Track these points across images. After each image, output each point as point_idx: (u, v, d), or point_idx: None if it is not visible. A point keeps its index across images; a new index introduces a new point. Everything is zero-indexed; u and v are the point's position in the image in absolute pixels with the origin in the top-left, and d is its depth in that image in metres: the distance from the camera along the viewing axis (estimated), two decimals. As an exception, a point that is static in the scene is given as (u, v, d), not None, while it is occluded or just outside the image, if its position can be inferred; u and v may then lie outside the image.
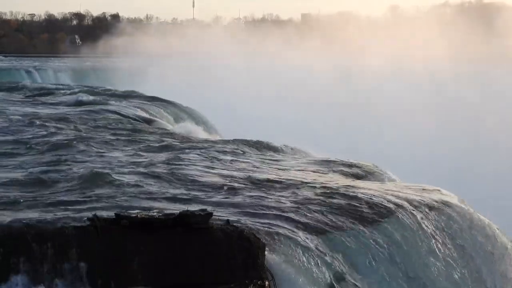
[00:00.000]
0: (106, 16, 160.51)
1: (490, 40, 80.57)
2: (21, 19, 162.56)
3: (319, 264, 11.07)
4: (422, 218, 13.53)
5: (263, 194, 13.84)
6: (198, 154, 18.28)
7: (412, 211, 13.61)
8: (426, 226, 13.42)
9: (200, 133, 27.66)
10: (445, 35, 79.65)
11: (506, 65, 67.79)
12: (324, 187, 14.67)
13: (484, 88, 62.95)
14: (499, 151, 45.98)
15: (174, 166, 16.20)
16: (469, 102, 58.11)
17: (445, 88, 63.73)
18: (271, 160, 18.65)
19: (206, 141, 22.11)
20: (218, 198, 13.49)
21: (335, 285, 10.99)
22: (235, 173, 15.87)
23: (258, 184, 14.82)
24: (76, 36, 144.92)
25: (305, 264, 10.92)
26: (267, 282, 10.33)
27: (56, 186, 13.95)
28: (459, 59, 71.42)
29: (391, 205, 13.59)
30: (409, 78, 65.63)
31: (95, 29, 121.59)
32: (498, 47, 77.17)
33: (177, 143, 20.53)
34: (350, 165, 17.90)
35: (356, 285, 11.34)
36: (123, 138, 21.22)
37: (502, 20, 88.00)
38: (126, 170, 15.77)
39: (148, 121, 28.02)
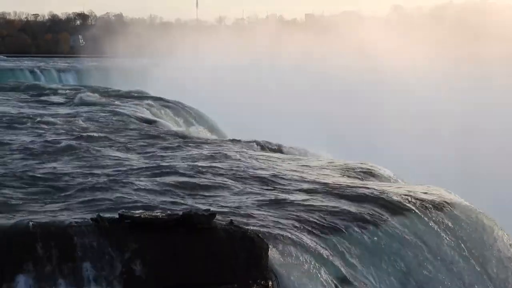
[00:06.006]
0: (110, 16, 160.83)
1: (495, 41, 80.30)
2: (25, 19, 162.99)
3: (324, 266, 11.07)
4: (428, 219, 13.55)
5: (270, 194, 13.88)
6: (204, 154, 18.32)
7: (418, 211, 13.64)
8: (432, 227, 13.44)
9: (207, 133, 27.78)
10: (449, 35, 79.49)
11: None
12: (330, 188, 14.69)
13: (490, 88, 62.77)
14: (500, 151, 45.93)
15: (180, 166, 16.24)
16: (473, 103, 57.99)
17: (448, 90, 63.60)
18: (275, 160, 18.68)
19: (214, 141, 22.15)
20: (225, 197, 13.52)
21: (339, 287, 11.00)
22: (241, 173, 15.90)
23: (264, 184, 14.87)
24: (80, 36, 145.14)
25: (310, 265, 10.93)
26: (270, 283, 10.33)
27: (61, 186, 13.99)
28: (463, 60, 71.25)
29: (396, 206, 13.61)
30: (410, 78, 65.53)
31: (98, 29, 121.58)
32: (504, 48, 76.88)
33: (183, 143, 20.57)
34: (354, 166, 17.92)
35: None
36: (127, 138, 21.25)
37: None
38: (131, 170, 15.80)
39: (152, 122, 28.06)
